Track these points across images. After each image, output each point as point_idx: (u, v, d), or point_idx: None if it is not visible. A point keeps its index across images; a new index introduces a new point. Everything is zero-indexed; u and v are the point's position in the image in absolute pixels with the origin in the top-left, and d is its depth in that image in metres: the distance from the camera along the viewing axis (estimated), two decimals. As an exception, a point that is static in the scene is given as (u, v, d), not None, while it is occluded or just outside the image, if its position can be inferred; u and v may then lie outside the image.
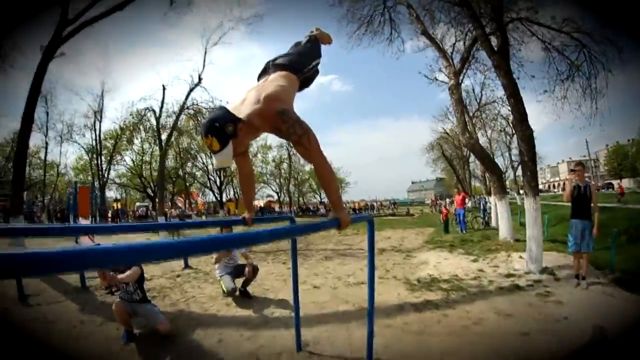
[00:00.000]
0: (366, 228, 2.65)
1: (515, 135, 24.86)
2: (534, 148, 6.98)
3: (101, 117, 22.14)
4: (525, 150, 6.96)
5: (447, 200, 25.77)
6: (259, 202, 38.95)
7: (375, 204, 47.41)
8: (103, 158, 23.93)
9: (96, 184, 22.04)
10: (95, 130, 23.05)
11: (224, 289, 5.23)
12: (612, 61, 8.70)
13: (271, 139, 38.91)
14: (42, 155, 24.85)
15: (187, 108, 17.97)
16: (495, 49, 7.63)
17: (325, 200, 45.31)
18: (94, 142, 23.19)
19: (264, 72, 2.20)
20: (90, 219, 11.14)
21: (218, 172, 29.90)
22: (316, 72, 2.45)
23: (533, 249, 6.39)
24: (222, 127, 1.69)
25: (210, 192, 36.07)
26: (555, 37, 9.04)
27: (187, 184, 33.13)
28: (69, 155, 27.67)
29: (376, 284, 2.94)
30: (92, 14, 9.18)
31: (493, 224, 13.96)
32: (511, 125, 7.57)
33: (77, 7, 8.64)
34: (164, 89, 18.40)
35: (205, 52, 17.34)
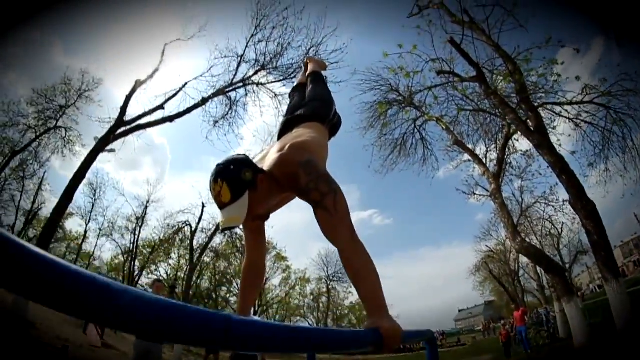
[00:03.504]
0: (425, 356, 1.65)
1: (561, 235, 23.24)
2: (602, 223, 6.06)
3: (142, 224, 23.02)
4: (592, 228, 6.05)
5: (502, 321, 22.62)
6: None
7: (421, 338, 42.53)
8: (138, 263, 24.14)
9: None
10: (135, 235, 23.80)
11: None
12: (639, 110, 8.39)
13: (310, 271, 38.63)
14: (79, 241, 25.68)
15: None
16: (532, 129, 7.49)
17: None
18: (131, 245, 23.77)
19: (286, 129, 1.87)
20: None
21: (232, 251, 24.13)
22: (340, 119, 2.12)
23: (629, 342, 4.91)
24: (238, 172, 1.30)
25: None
26: (581, 112, 9.03)
27: (220, 308, 31.91)
28: (104, 250, 28.16)
29: None
30: (145, 120, 10.36)
31: (561, 333, 11.71)
32: (570, 204, 6.83)
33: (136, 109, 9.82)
34: (203, 206, 19.20)
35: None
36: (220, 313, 0.48)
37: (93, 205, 23.50)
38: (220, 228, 1.33)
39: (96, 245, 26.58)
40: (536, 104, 9.07)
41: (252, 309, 1.79)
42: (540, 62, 8.52)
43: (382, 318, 1.06)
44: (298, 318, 38.95)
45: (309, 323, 40.26)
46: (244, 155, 1.43)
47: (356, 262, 1.18)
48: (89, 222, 24.16)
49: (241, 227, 1.62)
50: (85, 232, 25.00)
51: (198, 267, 21.58)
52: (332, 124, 1.99)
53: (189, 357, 12.22)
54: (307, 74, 2.40)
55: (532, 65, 8.56)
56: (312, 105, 1.99)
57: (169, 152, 53.10)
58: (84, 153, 10.62)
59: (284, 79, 12.54)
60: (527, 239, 19.01)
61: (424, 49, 9.70)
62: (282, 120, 1.97)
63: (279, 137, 1.82)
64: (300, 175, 1.29)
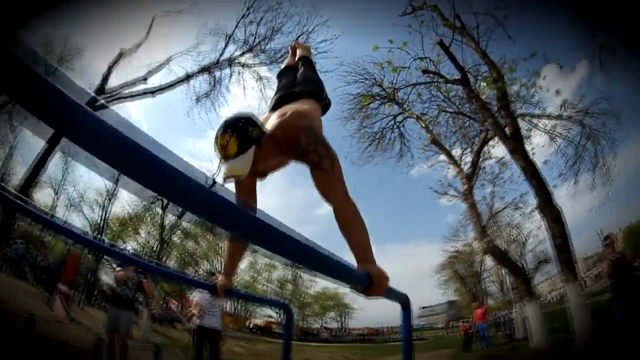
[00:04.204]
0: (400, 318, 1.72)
1: (526, 243, 24.38)
2: (565, 228, 6.46)
3: (112, 199, 22.40)
4: (556, 232, 6.43)
5: (462, 320, 23.62)
6: (258, 321, 36.86)
7: (384, 329, 43.82)
8: (106, 239, 23.51)
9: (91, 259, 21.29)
10: (104, 209, 23.04)
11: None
12: (613, 130, 9.00)
13: (278, 258, 38.63)
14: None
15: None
16: (508, 134, 7.81)
17: (328, 325, 42.30)
18: (100, 220, 23.07)
19: (282, 103, 1.89)
20: (72, 289, 10.14)
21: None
22: (330, 100, 2.22)
23: (585, 341, 5.30)
24: (246, 128, 1.36)
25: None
26: (557, 126, 9.51)
27: (185, 289, 31.65)
28: (73, 223, 27.50)
29: None
30: (126, 92, 10.05)
31: (520, 333, 12.38)
32: (538, 210, 7.19)
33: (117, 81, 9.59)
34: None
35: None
36: (210, 190, 0.56)
37: (64, 176, 22.61)
38: (223, 177, 1.39)
39: (65, 219, 25.66)
40: (516, 115, 9.46)
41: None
42: (524, 73, 8.88)
43: (372, 264, 1.18)
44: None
45: (273, 310, 40.58)
46: (251, 113, 1.48)
47: (349, 217, 1.31)
48: (58, 192, 23.28)
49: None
50: (54, 203, 24.08)
51: (166, 246, 21.29)
52: (324, 104, 2.10)
53: (156, 337, 12.08)
54: (297, 58, 2.48)
55: (515, 75, 8.92)
56: (307, 84, 2.08)
57: (145, 129, 51.54)
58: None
59: (270, 63, 12.47)
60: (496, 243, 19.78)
61: (413, 48, 9.86)
62: (277, 95, 2.03)
63: (274, 110, 1.85)
64: (301, 138, 1.39)
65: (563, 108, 9.34)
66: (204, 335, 4.88)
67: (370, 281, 1.10)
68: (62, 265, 10.40)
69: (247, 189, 1.69)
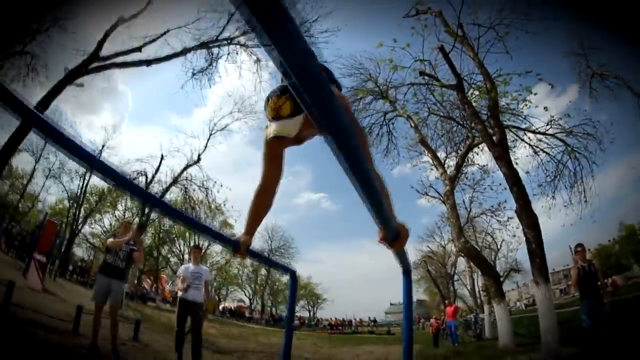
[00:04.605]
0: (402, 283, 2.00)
1: (499, 251, 25.30)
2: (541, 234, 6.83)
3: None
4: (532, 237, 6.79)
5: (434, 317, 24.41)
6: (230, 304, 36.70)
7: (353, 320, 44.53)
8: (83, 210, 23.02)
9: (67, 233, 20.80)
10: (84, 180, 22.41)
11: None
12: (594, 153, 9.47)
13: (254, 243, 38.39)
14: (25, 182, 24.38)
15: (178, 181, 18.23)
16: (495, 141, 8.11)
17: (299, 313, 42.73)
18: (79, 191, 22.49)
19: None
20: (47, 258, 9.81)
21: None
22: (341, 89, 2.35)
23: (550, 343, 5.68)
24: None
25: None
26: (541, 141, 9.90)
27: (159, 267, 31.22)
28: (50, 191, 26.54)
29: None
30: (120, 60, 9.85)
31: (487, 334, 12.89)
32: (516, 214, 7.53)
33: (111, 48, 9.39)
34: (162, 157, 18.68)
35: (210, 135, 18.29)
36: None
37: (46, 143, 21.86)
38: (273, 135, 1.57)
39: (43, 186, 24.88)
40: (504, 125, 9.80)
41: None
42: (516, 88, 9.23)
43: (396, 223, 1.37)
44: (235, 287, 39.51)
45: (245, 293, 40.47)
46: None
47: (378, 182, 1.47)
48: (39, 159, 22.55)
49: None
50: (33, 171, 23.32)
51: (146, 222, 21.13)
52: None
53: (127, 310, 11.99)
54: None
55: (508, 88, 9.25)
56: (326, 73, 2.17)
57: (130, 101, 49.86)
58: (47, 85, 9.85)
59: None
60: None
61: (414, 49, 10.04)
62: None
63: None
64: None
65: (549, 125, 9.77)
66: (187, 308, 4.91)
67: (397, 235, 1.29)
68: (38, 233, 10.06)
69: (277, 154, 1.83)
